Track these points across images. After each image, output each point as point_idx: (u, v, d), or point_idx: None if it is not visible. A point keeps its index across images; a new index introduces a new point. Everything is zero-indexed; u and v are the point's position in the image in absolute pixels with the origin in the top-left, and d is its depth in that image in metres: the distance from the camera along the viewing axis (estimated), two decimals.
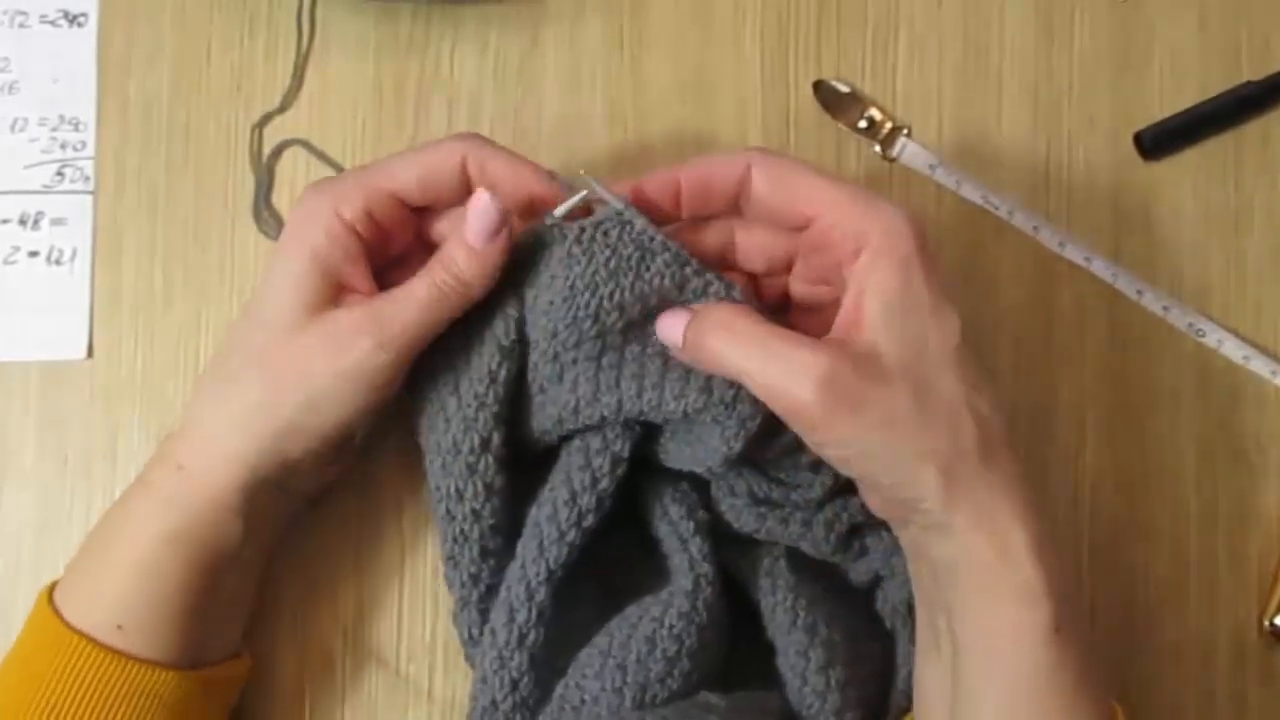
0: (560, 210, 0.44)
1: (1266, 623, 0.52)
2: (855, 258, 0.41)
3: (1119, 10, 0.55)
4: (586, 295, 0.43)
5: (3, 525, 0.52)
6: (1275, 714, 0.53)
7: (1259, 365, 0.54)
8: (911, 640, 0.45)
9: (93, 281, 0.53)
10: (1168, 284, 0.54)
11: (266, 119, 0.54)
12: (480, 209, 0.43)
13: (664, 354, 0.44)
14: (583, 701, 0.44)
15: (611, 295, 0.43)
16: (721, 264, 0.45)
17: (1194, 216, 0.54)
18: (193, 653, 0.45)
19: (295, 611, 0.52)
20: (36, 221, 0.54)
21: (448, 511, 0.45)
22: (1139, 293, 0.54)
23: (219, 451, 0.44)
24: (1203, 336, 0.54)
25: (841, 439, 0.40)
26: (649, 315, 0.44)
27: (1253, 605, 0.53)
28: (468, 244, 0.44)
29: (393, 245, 0.47)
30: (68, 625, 0.44)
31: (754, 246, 0.46)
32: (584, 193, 0.44)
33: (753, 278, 0.47)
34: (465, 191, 0.45)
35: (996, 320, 0.54)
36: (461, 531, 0.45)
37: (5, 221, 0.54)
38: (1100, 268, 0.54)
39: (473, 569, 0.46)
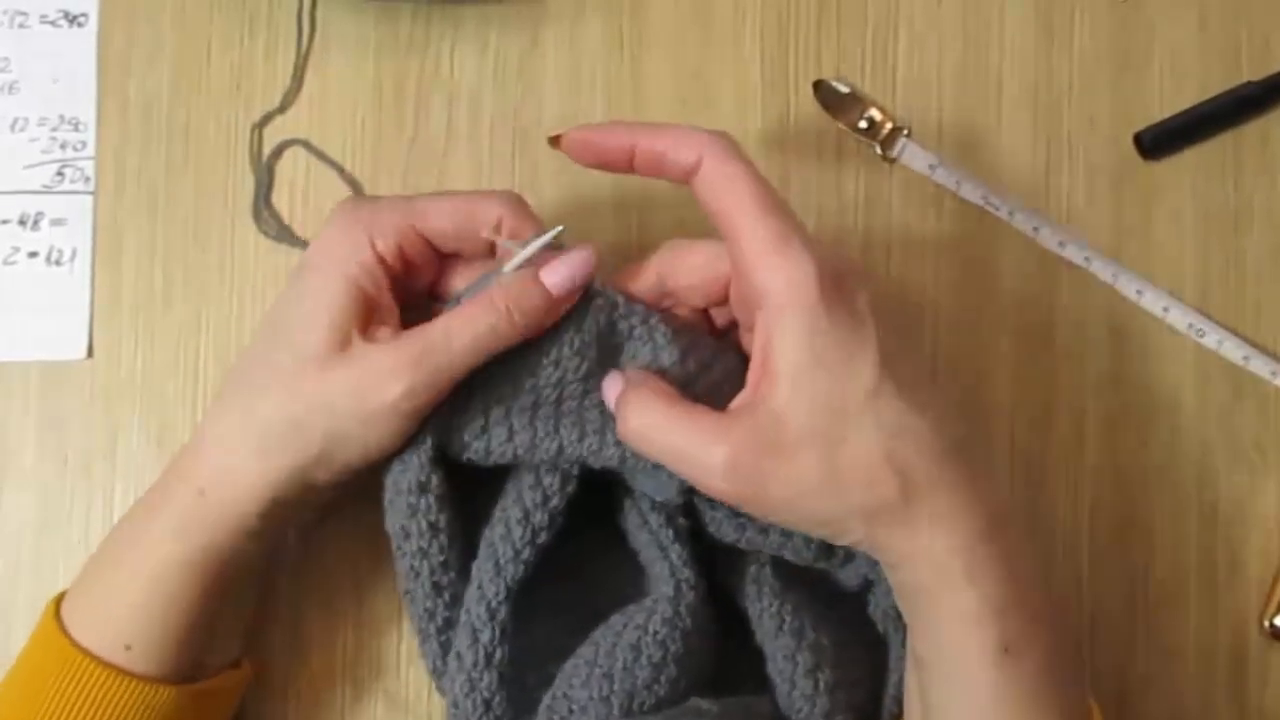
0: (508, 268, 0.44)
1: (1266, 623, 0.52)
2: (761, 301, 0.40)
3: (1119, 10, 0.55)
4: (530, 352, 0.44)
5: (3, 525, 0.52)
6: (1275, 714, 0.53)
7: (1259, 365, 0.54)
8: (904, 645, 0.45)
9: (93, 281, 0.53)
10: (1168, 284, 0.54)
11: (266, 119, 0.54)
12: (585, 259, 0.43)
13: (601, 404, 0.44)
14: (570, 711, 0.44)
15: (549, 353, 0.44)
16: (661, 307, 0.46)
17: (1194, 217, 0.54)
18: (195, 667, 0.45)
19: (295, 616, 0.52)
20: (36, 222, 0.54)
21: (398, 548, 0.45)
22: (1139, 293, 0.54)
23: (242, 478, 0.43)
24: (1203, 336, 0.54)
25: (759, 514, 0.41)
26: (586, 370, 0.44)
27: (1253, 605, 0.53)
28: (546, 289, 0.43)
29: (415, 284, 0.46)
30: (75, 644, 0.43)
31: (686, 289, 0.45)
32: (534, 247, 0.44)
33: (700, 309, 0.47)
34: (491, 250, 0.45)
35: (996, 320, 0.54)
36: (412, 568, 0.45)
37: (5, 222, 0.54)
38: (1100, 268, 0.54)
39: (428, 604, 0.45)
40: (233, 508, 0.43)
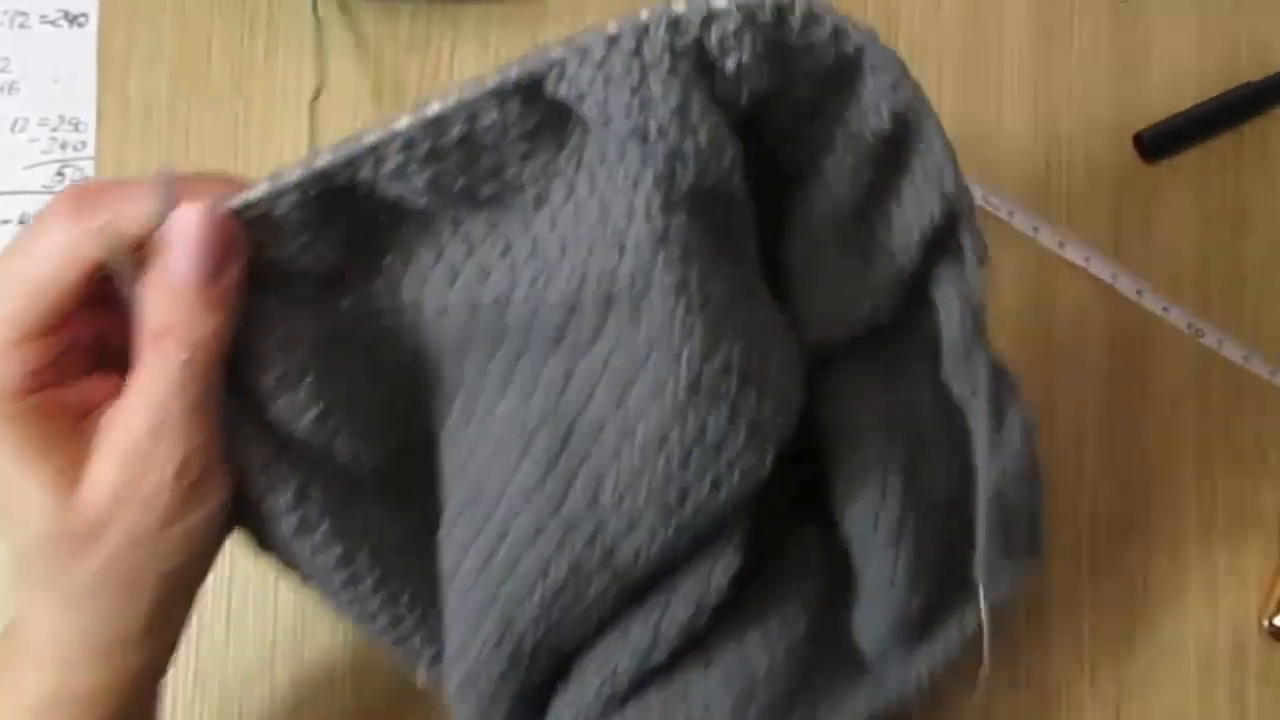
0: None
1: (1266, 623, 0.52)
2: None
3: (1119, 11, 0.55)
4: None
5: None
6: (1275, 714, 0.53)
7: (1259, 366, 0.54)
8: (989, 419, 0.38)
9: None
10: (1168, 284, 0.54)
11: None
12: (191, 234, 0.32)
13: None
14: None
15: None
16: None
17: (1193, 217, 0.55)
18: None
19: (295, 613, 0.52)
20: None
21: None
22: (1139, 293, 0.54)
23: (100, 680, 0.36)
24: (1202, 337, 0.54)
25: None
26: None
27: (1253, 605, 0.53)
28: (186, 290, 0.32)
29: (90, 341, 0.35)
30: None
31: None
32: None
33: None
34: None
35: (996, 320, 0.54)
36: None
37: (5, 222, 0.54)
38: (1100, 268, 0.54)
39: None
40: (103, 701, 0.36)
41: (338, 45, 0.54)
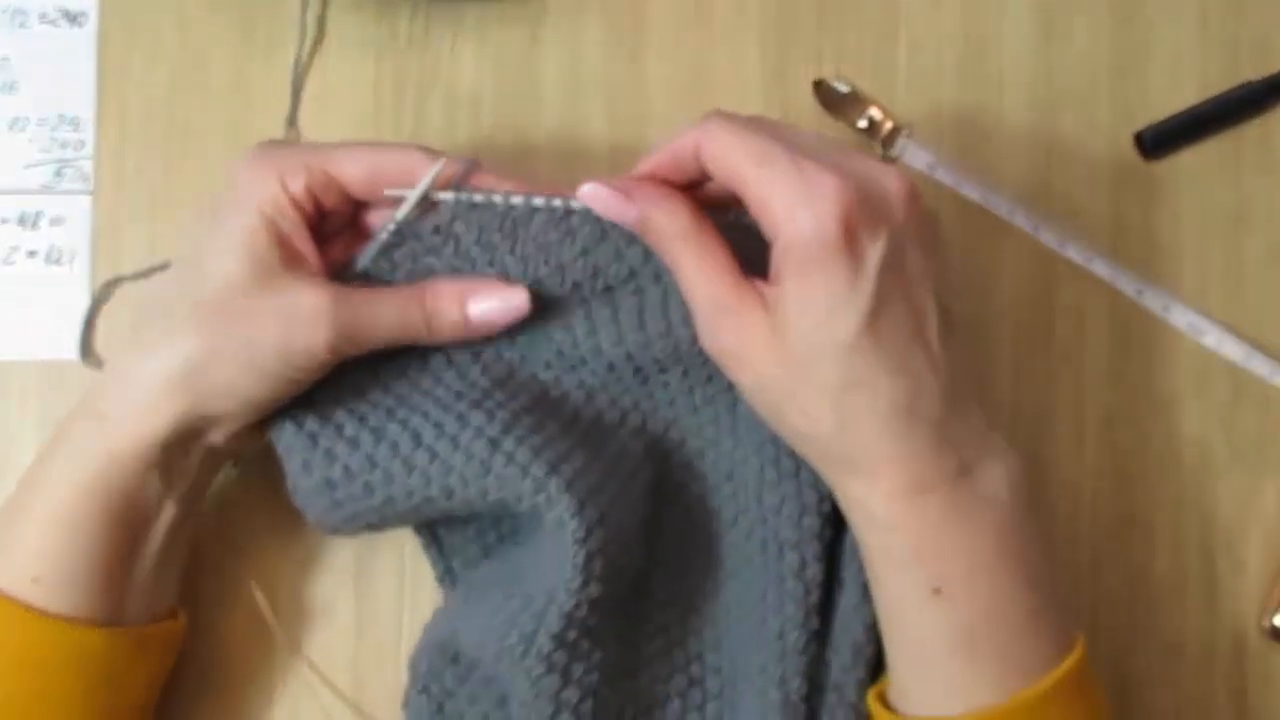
0: (400, 214, 0.45)
1: (1266, 623, 0.52)
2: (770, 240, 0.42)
3: (1119, 10, 0.55)
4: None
5: None
6: (1275, 714, 0.53)
7: (1259, 365, 0.54)
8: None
9: (93, 281, 0.53)
10: (1168, 284, 0.54)
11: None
12: (515, 307, 0.45)
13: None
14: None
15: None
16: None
17: (1194, 216, 0.54)
18: (117, 610, 0.44)
19: (296, 616, 0.52)
20: (35, 221, 0.54)
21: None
22: (1139, 293, 0.54)
23: (144, 403, 0.43)
24: (1203, 336, 0.54)
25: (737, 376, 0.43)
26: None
27: (1253, 605, 0.53)
28: (466, 313, 0.45)
29: (328, 224, 0.46)
30: None
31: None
32: (421, 188, 0.44)
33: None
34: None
35: (996, 320, 0.54)
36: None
37: (4, 221, 0.53)
38: (1100, 268, 0.54)
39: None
40: (131, 431, 0.43)
41: (337, 44, 0.54)
